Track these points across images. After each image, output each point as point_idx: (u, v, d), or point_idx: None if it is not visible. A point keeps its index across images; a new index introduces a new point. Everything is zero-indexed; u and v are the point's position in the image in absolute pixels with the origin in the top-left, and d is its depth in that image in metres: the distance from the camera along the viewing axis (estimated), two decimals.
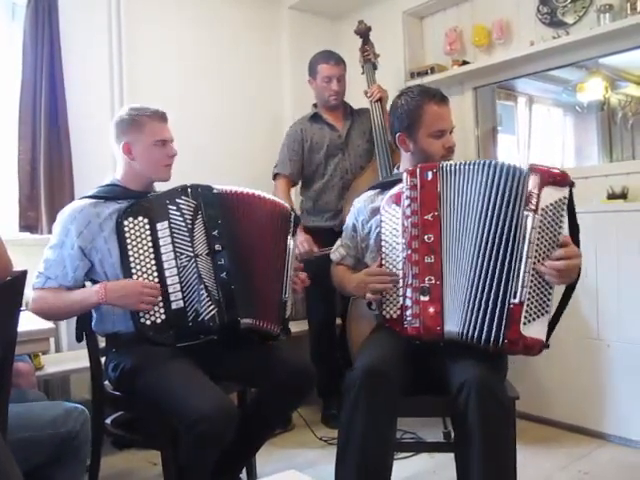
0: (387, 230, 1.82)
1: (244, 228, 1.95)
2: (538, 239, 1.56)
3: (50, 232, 2.40)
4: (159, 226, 1.85)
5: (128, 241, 1.83)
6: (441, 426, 2.55)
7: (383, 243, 1.83)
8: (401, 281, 1.75)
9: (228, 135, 3.58)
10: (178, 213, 1.86)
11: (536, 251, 1.56)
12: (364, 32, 3.14)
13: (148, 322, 1.81)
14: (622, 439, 2.60)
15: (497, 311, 1.58)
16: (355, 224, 2.03)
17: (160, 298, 1.81)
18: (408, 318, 1.71)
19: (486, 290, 1.61)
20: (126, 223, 1.84)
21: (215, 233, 1.89)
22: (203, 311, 1.82)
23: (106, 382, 1.94)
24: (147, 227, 1.85)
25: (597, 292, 2.67)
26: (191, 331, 1.83)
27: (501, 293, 1.58)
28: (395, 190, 1.83)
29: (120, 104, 3.12)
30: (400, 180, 1.83)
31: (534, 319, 1.56)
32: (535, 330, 1.56)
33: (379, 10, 3.69)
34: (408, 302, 1.71)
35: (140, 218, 1.85)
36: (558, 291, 1.66)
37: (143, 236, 1.84)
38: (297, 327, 3.12)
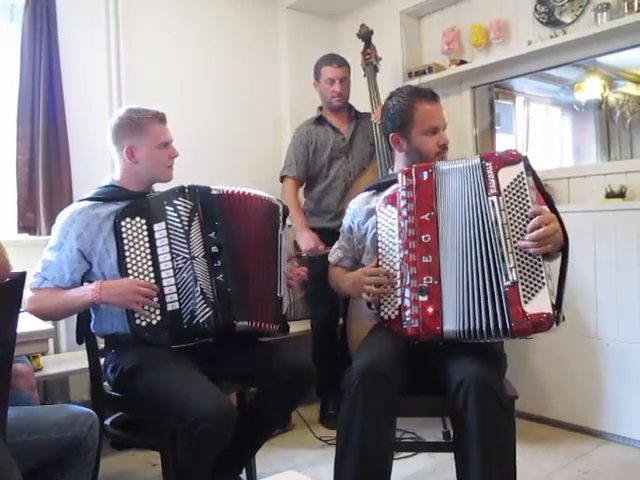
0: (383, 231, 1.83)
1: (241, 228, 1.95)
2: (510, 218, 1.61)
3: (48, 233, 2.40)
4: (156, 227, 1.85)
5: (125, 242, 1.83)
6: (440, 426, 2.55)
7: (379, 244, 1.83)
8: (399, 282, 1.76)
9: (226, 135, 3.57)
10: (175, 214, 1.86)
11: (512, 230, 1.60)
12: (366, 35, 3.19)
13: (143, 323, 1.81)
14: (621, 438, 2.60)
15: (495, 298, 1.59)
16: (351, 226, 2.03)
17: (156, 299, 1.81)
18: (407, 318, 1.71)
19: (480, 282, 1.62)
20: (123, 224, 1.84)
21: (212, 235, 1.89)
22: (198, 313, 1.81)
23: (105, 383, 1.94)
24: (144, 228, 1.85)
25: (596, 291, 2.68)
26: (186, 333, 1.82)
27: (494, 280, 1.60)
28: (390, 191, 1.84)
29: (118, 104, 3.11)
30: (394, 181, 1.84)
31: (533, 294, 1.57)
32: (538, 305, 1.56)
33: (377, 10, 3.69)
34: (407, 302, 1.72)
35: (137, 219, 1.85)
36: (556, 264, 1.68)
37: (140, 237, 1.84)
38: (298, 327, 3.12)
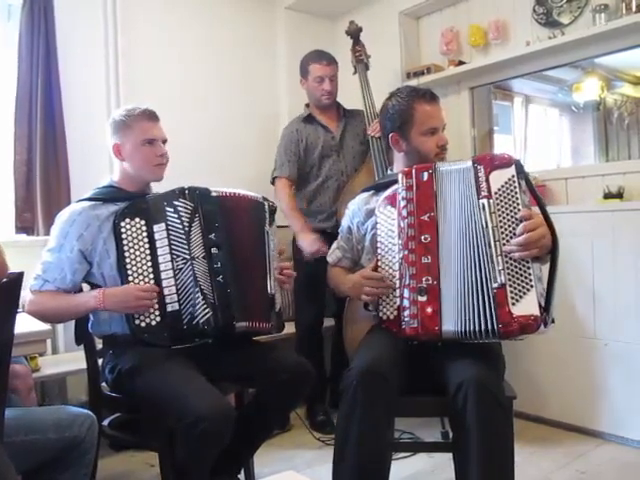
0: (382, 231, 1.83)
1: (237, 229, 1.95)
2: (500, 221, 1.62)
3: (46, 233, 2.39)
4: (156, 228, 1.84)
5: (125, 242, 1.83)
6: (439, 426, 2.55)
7: (379, 244, 1.84)
8: (398, 282, 1.76)
9: (225, 135, 3.57)
10: (175, 215, 1.86)
11: (502, 232, 1.62)
12: (355, 32, 3.12)
13: (143, 324, 1.80)
14: (619, 438, 2.60)
15: (485, 300, 1.61)
16: (350, 226, 2.04)
17: (156, 300, 1.81)
18: (406, 319, 1.71)
19: (472, 284, 1.63)
20: (123, 224, 1.83)
21: (212, 236, 1.89)
22: (198, 314, 1.81)
23: (103, 383, 1.94)
24: (144, 229, 1.84)
25: (594, 291, 2.68)
26: (186, 334, 1.82)
27: (484, 282, 1.62)
28: (390, 192, 1.84)
29: (116, 104, 3.11)
30: (394, 181, 1.84)
31: (521, 297, 1.58)
32: (525, 307, 1.58)
33: (375, 10, 3.69)
34: (406, 303, 1.72)
35: (137, 219, 1.85)
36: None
37: (140, 237, 1.84)
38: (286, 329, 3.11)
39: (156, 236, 1.84)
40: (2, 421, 1.32)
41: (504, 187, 1.63)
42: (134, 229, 1.84)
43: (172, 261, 1.83)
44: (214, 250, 1.88)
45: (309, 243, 2.78)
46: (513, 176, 1.63)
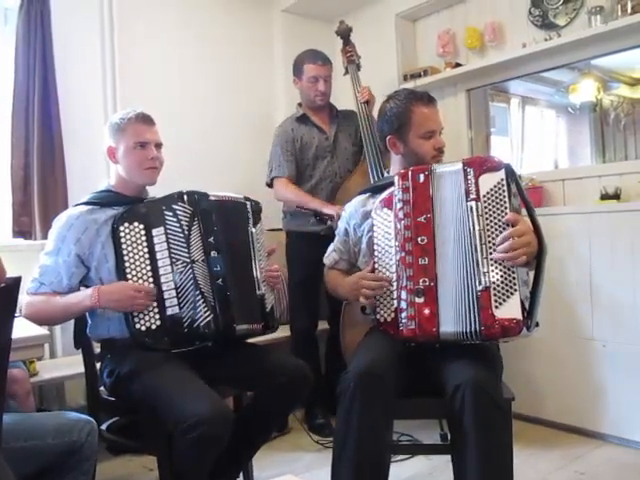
0: (379, 234, 1.83)
1: (232, 232, 1.95)
2: (488, 224, 1.63)
3: (44, 238, 2.39)
4: (155, 232, 1.84)
5: (124, 247, 1.83)
6: (437, 428, 2.54)
7: (375, 247, 1.84)
8: (395, 283, 1.76)
9: (222, 137, 3.57)
10: (175, 219, 1.86)
11: (489, 236, 1.62)
12: (345, 32, 3.10)
13: (143, 328, 1.80)
14: (618, 439, 2.61)
15: (470, 301, 1.62)
16: (347, 228, 2.04)
17: (155, 303, 1.81)
18: (403, 320, 1.71)
19: (463, 285, 1.64)
20: (122, 229, 1.84)
21: (211, 239, 1.89)
22: (199, 317, 1.81)
23: (101, 388, 1.94)
24: (142, 233, 1.84)
25: (592, 292, 2.68)
26: (186, 337, 1.83)
27: (470, 283, 1.63)
28: (386, 194, 1.85)
29: (113, 108, 3.11)
30: (390, 184, 1.84)
31: (505, 300, 1.59)
32: (508, 310, 1.59)
33: (372, 13, 3.70)
34: (403, 304, 1.72)
35: (136, 224, 1.85)
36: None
37: (139, 242, 1.84)
38: (283, 332, 3.12)
39: (155, 240, 1.84)
40: (0, 426, 1.32)
41: (493, 190, 1.64)
42: (133, 233, 1.84)
43: (172, 264, 1.83)
44: (213, 253, 1.88)
45: (333, 209, 2.68)
46: (502, 180, 1.64)
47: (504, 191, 1.63)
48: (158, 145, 1.97)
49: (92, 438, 1.51)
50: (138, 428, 1.90)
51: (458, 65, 3.34)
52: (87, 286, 1.89)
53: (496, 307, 1.59)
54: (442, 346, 1.71)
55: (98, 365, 1.95)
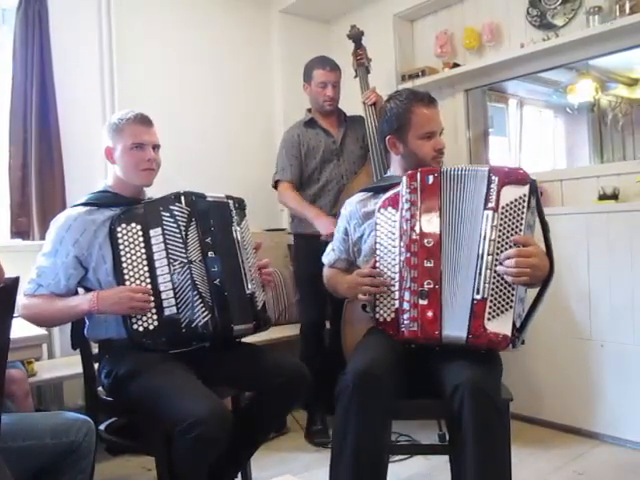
0: (382, 233, 1.82)
1: (226, 233, 1.96)
2: (499, 236, 1.61)
3: (42, 238, 2.39)
4: (152, 233, 1.84)
5: (121, 247, 1.83)
6: (436, 428, 2.55)
7: (378, 246, 1.83)
8: (397, 284, 1.75)
9: (220, 137, 3.58)
10: (172, 220, 1.86)
11: (497, 248, 1.61)
12: (357, 36, 3.15)
13: (140, 328, 1.80)
14: (616, 439, 2.61)
15: (465, 308, 1.62)
16: (347, 228, 2.03)
17: (153, 304, 1.80)
18: (405, 321, 1.70)
19: (462, 290, 1.64)
20: (119, 229, 1.83)
21: (208, 240, 1.89)
22: (196, 318, 1.81)
23: (99, 388, 1.94)
24: (140, 234, 1.84)
25: (589, 292, 2.69)
26: (184, 338, 1.82)
27: (468, 290, 1.63)
28: (391, 193, 1.84)
29: (111, 108, 3.11)
30: (393, 184, 1.84)
31: (498, 315, 1.60)
32: (499, 325, 1.59)
33: (370, 13, 3.70)
34: (406, 305, 1.71)
35: (133, 225, 1.84)
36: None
37: (136, 242, 1.84)
38: (293, 330, 3.12)
39: (152, 241, 1.84)
40: None
41: (512, 204, 1.62)
42: (130, 234, 1.84)
43: (169, 265, 1.83)
44: (211, 254, 1.88)
45: (326, 226, 2.77)
46: (525, 195, 1.62)
47: (524, 207, 1.61)
48: (156, 147, 1.97)
49: (90, 438, 1.51)
50: (136, 428, 1.90)
51: (456, 65, 3.34)
52: (85, 287, 1.89)
53: (488, 319, 1.60)
54: (441, 347, 1.70)
55: (96, 365, 1.94)
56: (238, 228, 2.00)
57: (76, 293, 1.90)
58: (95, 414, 1.86)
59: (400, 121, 1.91)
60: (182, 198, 1.90)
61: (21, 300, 1.81)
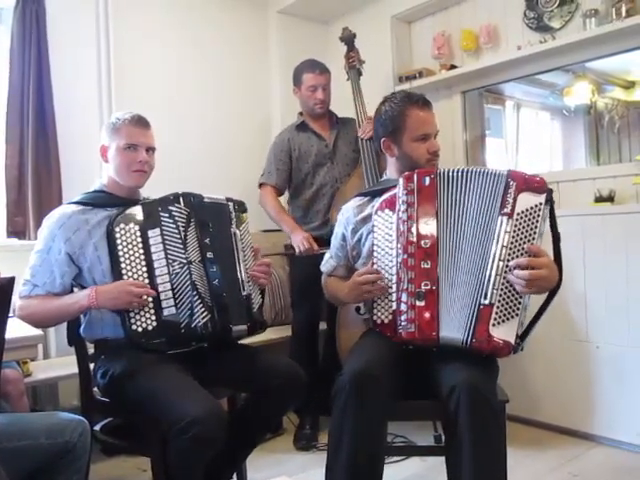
0: (380, 235, 1.82)
1: (223, 234, 1.96)
2: (512, 243, 1.61)
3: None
4: (150, 233, 1.84)
5: (119, 248, 1.82)
6: (432, 429, 2.55)
7: (375, 248, 1.83)
8: (395, 286, 1.75)
9: (217, 138, 3.57)
10: (171, 220, 1.86)
11: (509, 254, 1.61)
12: (349, 39, 3.13)
13: (139, 329, 1.79)
14: (611, 441, 2.62)
15: (471, 312, 1.63)
16: (345, 233, 2.01)
17: (152, 304, 1.80)
18: (403, 323, 1.70)
19: (468, 293, 1.64)
20: (117, 230, 1.83)
21: (207, 241, 1.89)
22: (196, 318, 1.81)
23: (95, 388, 1.93)
24: (138, 234, 1.84)
25: (585, 294, 2.69)
26: (183, 338, 1.82)
27: (475, 295, 1.63)
28: (387, 195, 1.84)
29: (108, 108, 3.11)
30: (389, 188, 1.84)
31: (503, 321, 1.61)
32: (504, 332, 1.60)
33: (368, 14, 3.70)
34: (403, 307, 1.71)
35: (131, 225, 1.84)
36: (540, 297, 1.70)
37: (134, 243, 1.83)
38: (288, 331, 3.11)
39: (151, 241, 1.84)
40: None
41: (528, 211, 1.62)
42: (128, 234, 1.83)
43: (168, 265, 1.82)
44: (209, 254, 1.89)
45: (300, 242, 2.81)
46: (541, 204, 1.62)
47: (538, 215, 1.62)
48: (150, 149, 1.96)
49: (85, 438, 1.51)
50: (132, 429, 1.89)
51: (453, 67, 3.35)
52: (82, 286, 1.88)
53: (493, 325, 1.60)
54: (439, 349, 1.71)
55: (92, 366, 1.94)
56: (237, 230, 2.00)
57: (72, 292, 1.90)
58: (90, 414, 1.86)
59: (395, 123, 1.91)
60: (181, 199, 1.90)
61: (17, 302, 1.80)
